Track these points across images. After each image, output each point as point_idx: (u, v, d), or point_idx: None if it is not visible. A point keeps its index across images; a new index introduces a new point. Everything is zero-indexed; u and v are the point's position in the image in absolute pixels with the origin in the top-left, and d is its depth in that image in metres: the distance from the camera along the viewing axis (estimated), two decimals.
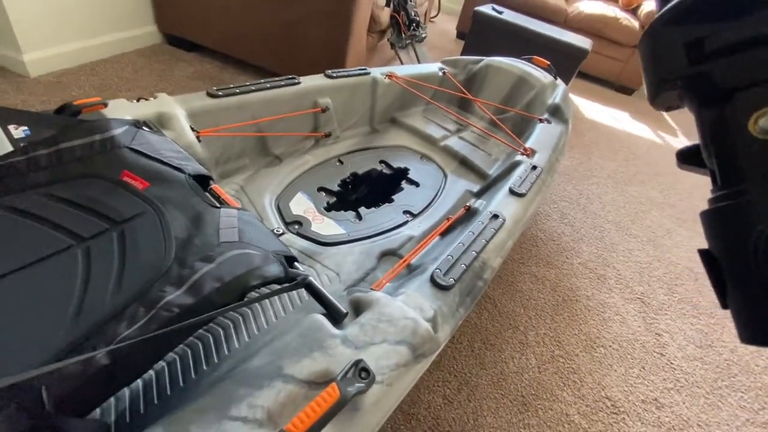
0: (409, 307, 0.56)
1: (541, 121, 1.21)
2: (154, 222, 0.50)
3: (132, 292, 0.42)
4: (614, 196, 1.70)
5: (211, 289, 0.44)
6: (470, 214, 0.90)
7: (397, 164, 1.16)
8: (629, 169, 1.96)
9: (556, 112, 1.25)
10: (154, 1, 1.74)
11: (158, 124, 0.75)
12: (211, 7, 1.63)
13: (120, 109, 0.70)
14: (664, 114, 2.90)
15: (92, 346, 0.39)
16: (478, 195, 1.08)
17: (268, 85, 0.96)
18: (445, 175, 1.17)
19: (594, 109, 2.61)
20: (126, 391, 0.47)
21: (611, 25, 2.84)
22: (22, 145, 0.56)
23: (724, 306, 0.24)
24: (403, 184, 1.10)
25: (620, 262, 1.34)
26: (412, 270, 0.77)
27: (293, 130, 1.05)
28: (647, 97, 0.29)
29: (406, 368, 0.51)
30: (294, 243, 0.82)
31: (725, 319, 1.22)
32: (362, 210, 0.96)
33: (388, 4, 1.70)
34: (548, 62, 1.51)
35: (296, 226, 0.86)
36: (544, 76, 1.41)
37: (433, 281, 0.62)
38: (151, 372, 0.50)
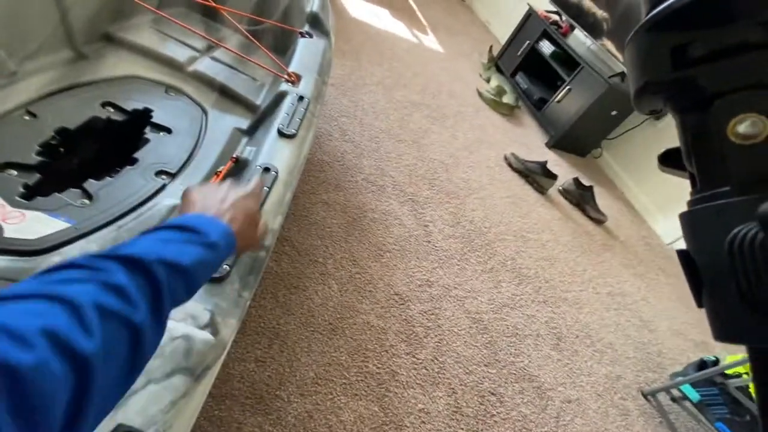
0: (177, 323, 0.46)
1: (302, 35, 1.10)
2: None
3: None
4: (384, 104, 1.83)
5: None
6: (240, 166, 0.79)
7: (131, 105, 0.87)
8: (394, 74, 2.12)
9: (316, 23, 1.16)
10: None
11: None
12: None
13: None
14: (417, 12, 3.16)
15: None
16: (249, 132, 0.96)
17: None
18: (205, 112, 0.97)
19: (357, 7, 2.60)
20: None
21: None
22: None
23: (699, 305, 0.25)
24: (148, 132, 0.85)
25: (394, 169, 1.51)
26: None
27: None
28: (631, 99, 0.28)
29: (189, 396, 0.44)
30: None
31: (467, 198, 1.61)
32: (91, 183, 0.71)
33: None
34: None
35: None
36: None
37: None
38: None
